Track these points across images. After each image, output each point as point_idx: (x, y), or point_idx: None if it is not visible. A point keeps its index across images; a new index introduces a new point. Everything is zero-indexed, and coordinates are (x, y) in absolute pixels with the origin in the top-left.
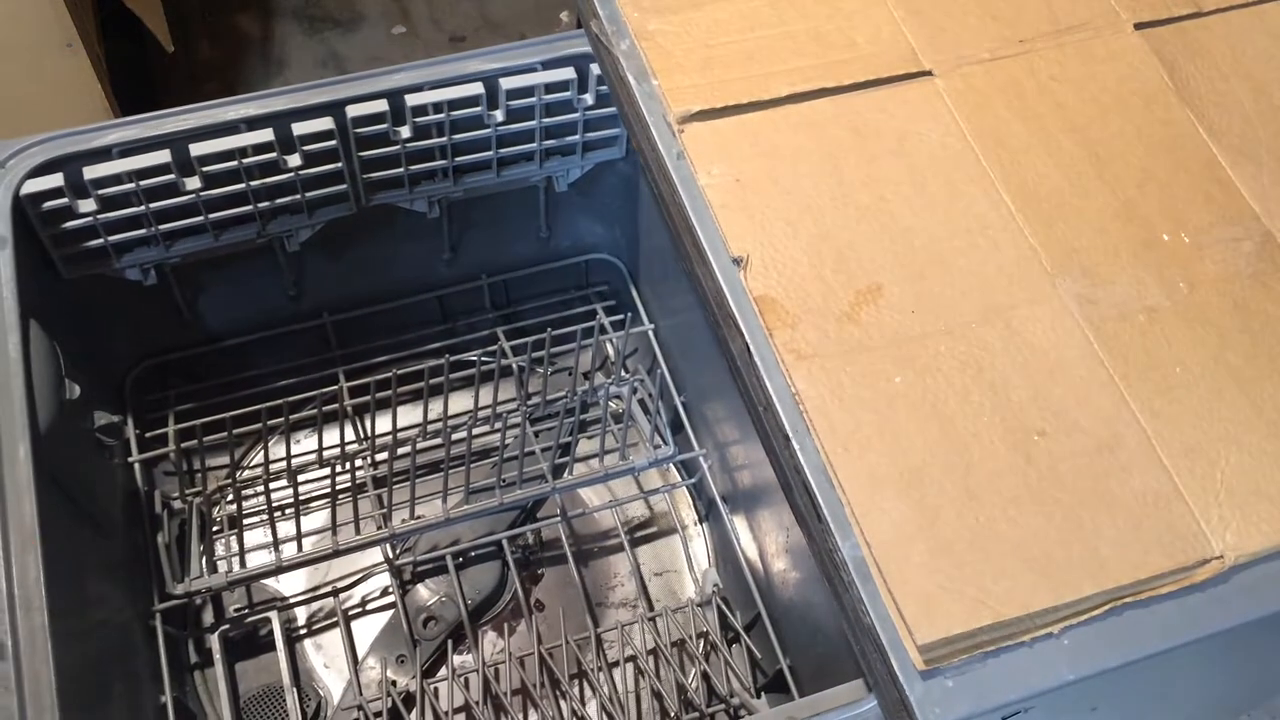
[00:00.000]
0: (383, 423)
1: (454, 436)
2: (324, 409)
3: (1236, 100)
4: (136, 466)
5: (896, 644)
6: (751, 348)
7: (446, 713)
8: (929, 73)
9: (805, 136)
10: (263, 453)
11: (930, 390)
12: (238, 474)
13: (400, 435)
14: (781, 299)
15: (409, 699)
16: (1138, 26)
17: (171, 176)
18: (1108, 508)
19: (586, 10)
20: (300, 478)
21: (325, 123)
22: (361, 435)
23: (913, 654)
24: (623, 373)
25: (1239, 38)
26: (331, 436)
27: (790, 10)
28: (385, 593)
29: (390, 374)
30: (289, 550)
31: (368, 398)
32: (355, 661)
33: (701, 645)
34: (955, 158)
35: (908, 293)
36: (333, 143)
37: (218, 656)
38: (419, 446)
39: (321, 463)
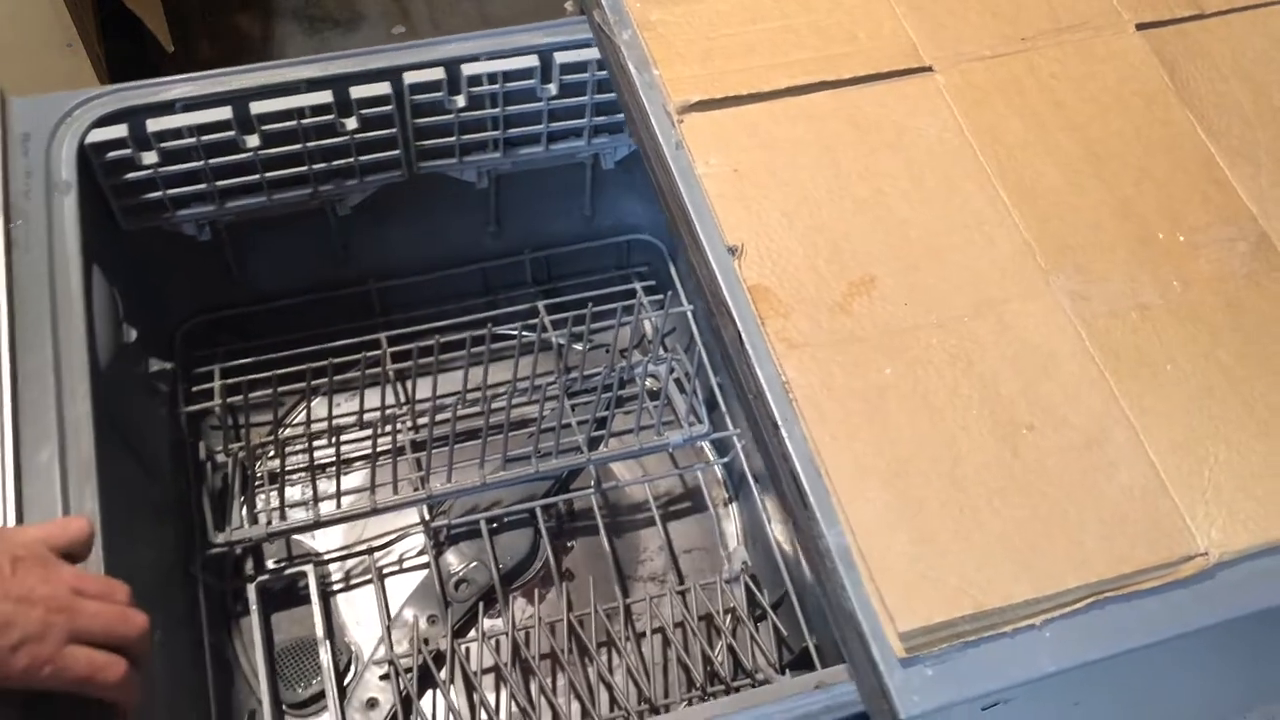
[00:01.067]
0: (423, 389)
1: (493, 405)
2: (366, 371)
3: (1236, 102)
4: (183, 417)
5: (877, 631)
6: (744, 336)
7: (475, 673)
8: (929, 68)
9: (804, 129)
10: (305, 411)
11: (920, 382)
12: (280, 431)
13: (440, 402)
14: (775, 288)
15: (439, 658)
16: (1139, 27)
17: (231, 133)
18: (1093, 502)
19: (589, 0)
20: (341, 437)
21: (383, 87)
22: (401, 400)
23: (893, 641)
24: (660, 351)
25: (1240, 40)
26: (373, 399)
27: (792, 4)
28: (419, 554)
29: (433, 340)
30: (328, 508)
31: (410, 363)
32: (388, 619)
33: (729, 621)
34: (953, 153)
35: (901, 285)
36: (389, 108)
37: (254, 607)
38: (458, 414)
39: (362, 424)
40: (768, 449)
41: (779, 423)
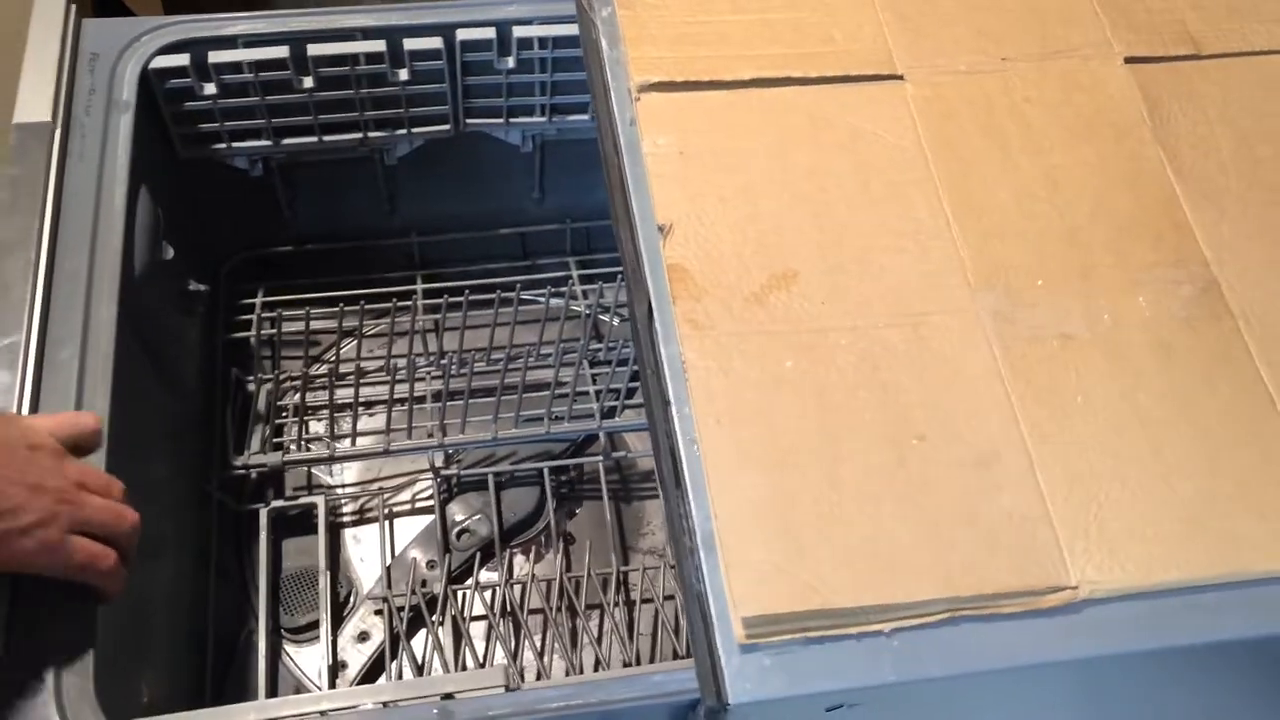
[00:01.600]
0: (453, 342)
1: (513, 365)
2: (397, 320)
3: (1215, 146)
4: (220, 344)
5: (723, 615)
6: (655, 313)
7: (465, 619)
8: (900, 77)
9: (760, 120)
10: (335, 351)
11: (819, 379)
12: (311, 367)
13: (464, 356)
14: (694, 271)
15: (433, 601)
16: (1128, 60)
17: (288, 73)
18: (968, 520)
19: None
20: (366, 380)
21: (435, 42)
22: (428, 350)
23: (736, 627)
24: None
25: (1233, 85)
26: (404, 348)
27: None
28: (428, 500)
29: (463, 295)
30: (346, 445)
31: (439, 315)
32: (390, 559)
33: None
34: (905, 161)
35: (823, 284)
36: (439, 63)
37: (263, 532)
38: (480, 369)
39: (390, 370)
40: (654, 426)
41: (670, 401)
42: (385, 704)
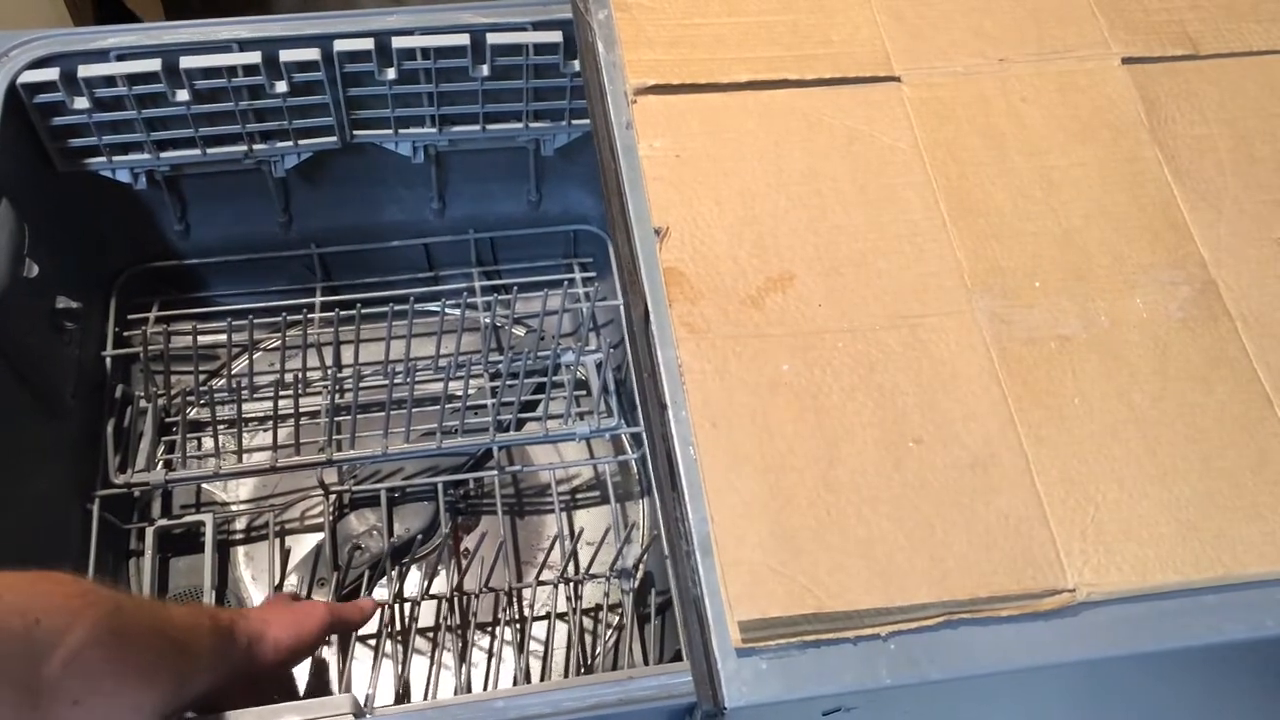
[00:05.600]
0: (350, 356)
1: (401, 379)
2: (288, 334)
3: (1213, 146)
4: (108, 360)
5: (719, 617)
6: (652, 316)
7: (352, 638)
8: (897, 78)
9: (756, 123)
10: (229, 367)
11: (815, 382)
12: (203, 382)
13: (360, 369)
14: (690, 274)
15: None
16: (1126, 60)
17: (162, 85)
18: (965, 523)
19: None
20: (257, 394)
21: (312, 53)
22: (324, 364)
23: (732, 630)
24: (590, 343)
25: (1231, 85)
26: (299, 362)
27: (773, 1)
28: (319, 516)
29: (355, 308)
30: (233, 462)
31: (332, 329)
32: (278, 576)
33: (618, 617)
34: (901, 163)
35: (819, 286)
36: (318, 74)
37: (149, 550)
38: (373, 384)
39: (282, 384)
40: (651, 428)
41: (667, 404)
42: None
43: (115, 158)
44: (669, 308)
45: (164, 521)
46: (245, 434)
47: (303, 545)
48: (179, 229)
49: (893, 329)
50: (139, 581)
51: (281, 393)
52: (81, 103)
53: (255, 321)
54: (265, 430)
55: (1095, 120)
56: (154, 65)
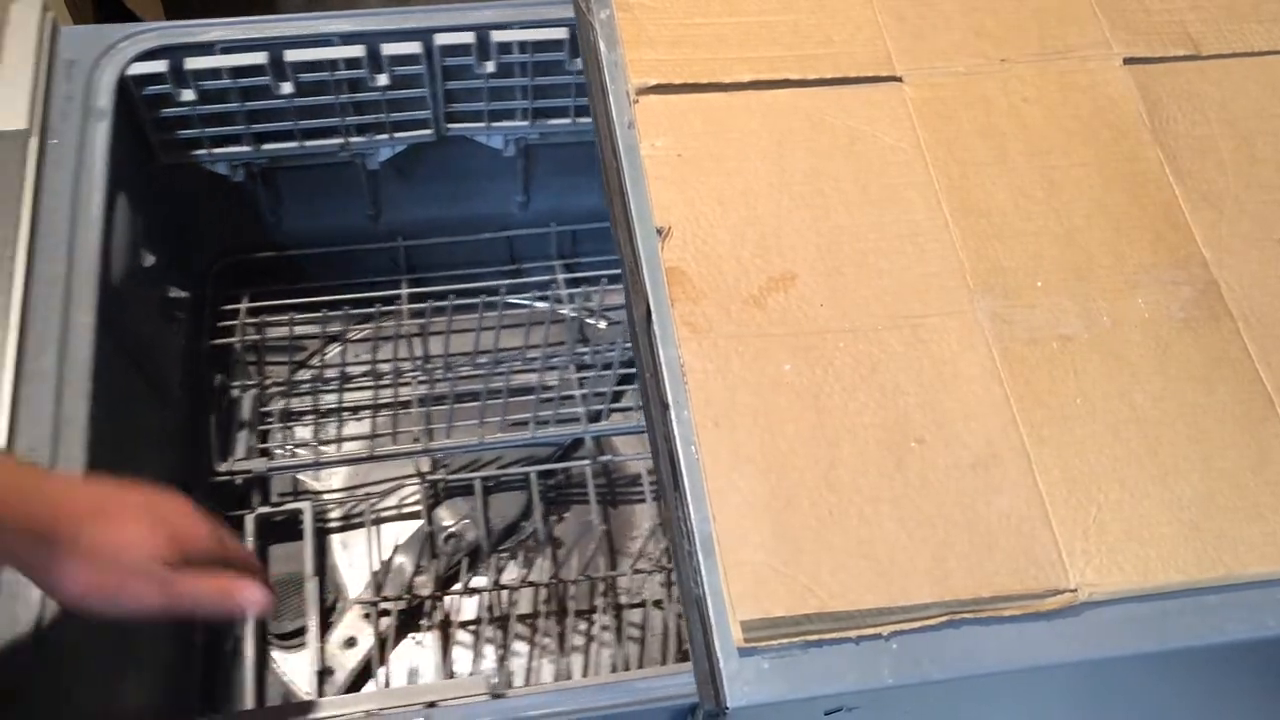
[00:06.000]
0: (438, 347)
1: (500, 370)
2: (381, 325)
3: (1214, 146)
4: (205, 350)
5: (721, 617)
6: (654, 316)
7: (453, 624)
8: (898, 78)
9: (758, 123)
10: (319, 357)
11: (817, 382)
12: (296, 372)
13: (451, 360)
14: (692, 273)
15: (420, 607)
16: (1127, 61)
17: (266, 78)
18: (967, 522)
19: None
20: (350, 385)
21: (414, 46)
22: (414, 355)
23: (734, 630)
24: None
25: (1233, 85)
26: (387, 352)
27: (774, 1)
28: (415, 505)
29: (448, 300)
30: (331, 451)
31: (424, 320)
32: (377, 564)
33: None
34: (903, 163)
35: (822, 286)
36: (419, 68)
37: (250, 537)
38: (467, 374)
39: (375, 375)
40: (653, 428)
41: (669, 404)
42: (368, 713)
43: (216, 150)
44: (671, 307)
45: (264, 509)
46: (340, 424)
47: (398, 534)
48: (271, 221)
49: (894, 329)
50: None
51: (373, 383)
52: (188, 95)
53: (335, 313)
54: (357, 420)
55: (1097, 120)
56: (260, 58)
